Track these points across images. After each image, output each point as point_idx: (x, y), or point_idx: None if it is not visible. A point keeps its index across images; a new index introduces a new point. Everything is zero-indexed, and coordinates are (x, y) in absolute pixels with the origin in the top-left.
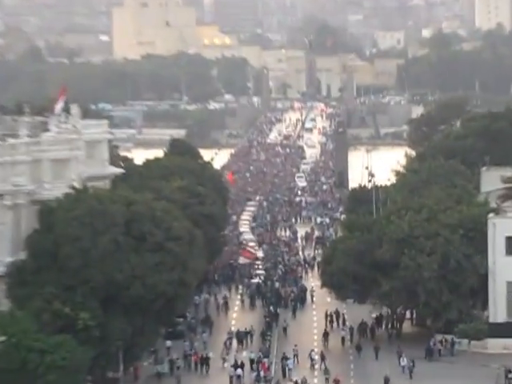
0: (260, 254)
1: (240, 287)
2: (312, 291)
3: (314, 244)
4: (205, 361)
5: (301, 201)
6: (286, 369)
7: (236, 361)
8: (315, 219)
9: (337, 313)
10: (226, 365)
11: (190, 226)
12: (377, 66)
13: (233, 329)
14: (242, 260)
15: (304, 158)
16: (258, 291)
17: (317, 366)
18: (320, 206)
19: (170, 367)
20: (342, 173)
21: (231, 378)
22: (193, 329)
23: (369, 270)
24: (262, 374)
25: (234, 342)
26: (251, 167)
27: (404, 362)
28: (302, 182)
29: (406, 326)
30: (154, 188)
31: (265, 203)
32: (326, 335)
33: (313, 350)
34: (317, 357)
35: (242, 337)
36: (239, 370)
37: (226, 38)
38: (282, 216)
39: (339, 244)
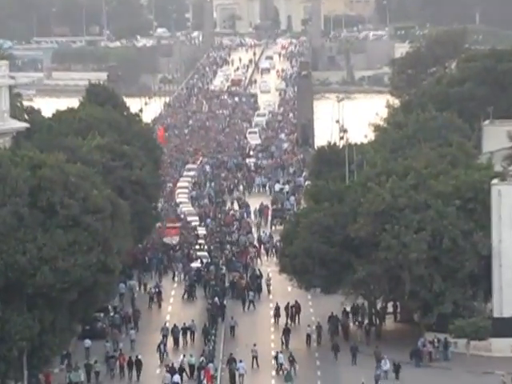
0: (202, 231)
1: (176, 273)
2: (268, 278)
3: (270, 218)
4: (134, 365)
5: (254, 164)
6: (237, 374)
7: (173, 365)
8: (272, 187)
9: (298, 305)
10: (158, 371)
11: (114, 196)
12: None
13: (168, 325)
14: (169, 240)
15: (258, 108)
16: (199, 278)
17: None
18: (278, 169)
19: (86, 373)
20: (306, 127)
21: None
22: (117, 325)
23: (340, 250)
24: (205, 382)
25: (170, 341)
26: (190, 121)
27: (385, 367)
28: (255, 140)
29: (388, 323)
30: (66, 147)
31: (208, 167)
32: (286, 333)
33: (280, 352)
34: (284, 360)
35: (178, 335)
36: (177, 377)
37: None
38: (230, 183)
39: (302, 218)
